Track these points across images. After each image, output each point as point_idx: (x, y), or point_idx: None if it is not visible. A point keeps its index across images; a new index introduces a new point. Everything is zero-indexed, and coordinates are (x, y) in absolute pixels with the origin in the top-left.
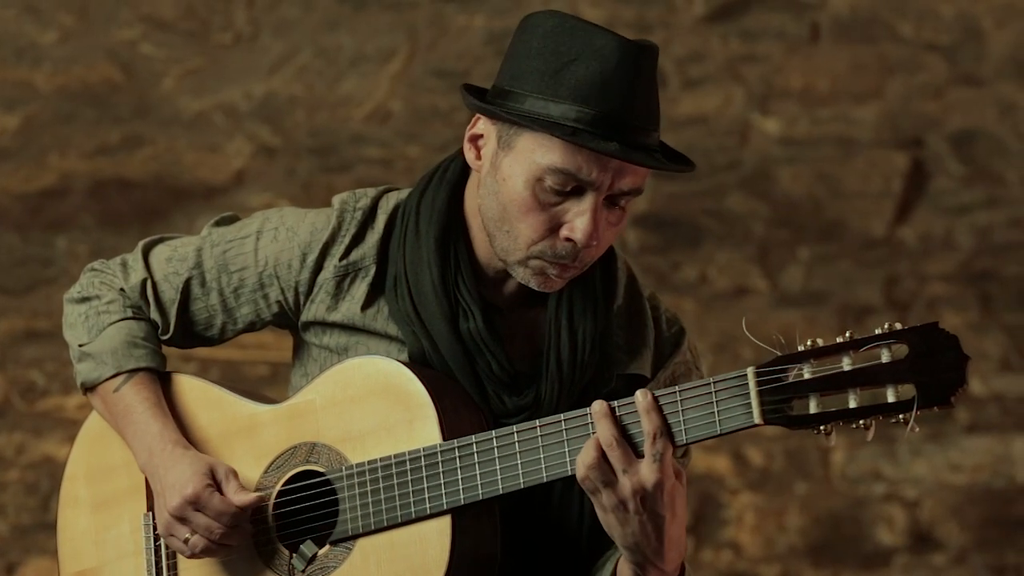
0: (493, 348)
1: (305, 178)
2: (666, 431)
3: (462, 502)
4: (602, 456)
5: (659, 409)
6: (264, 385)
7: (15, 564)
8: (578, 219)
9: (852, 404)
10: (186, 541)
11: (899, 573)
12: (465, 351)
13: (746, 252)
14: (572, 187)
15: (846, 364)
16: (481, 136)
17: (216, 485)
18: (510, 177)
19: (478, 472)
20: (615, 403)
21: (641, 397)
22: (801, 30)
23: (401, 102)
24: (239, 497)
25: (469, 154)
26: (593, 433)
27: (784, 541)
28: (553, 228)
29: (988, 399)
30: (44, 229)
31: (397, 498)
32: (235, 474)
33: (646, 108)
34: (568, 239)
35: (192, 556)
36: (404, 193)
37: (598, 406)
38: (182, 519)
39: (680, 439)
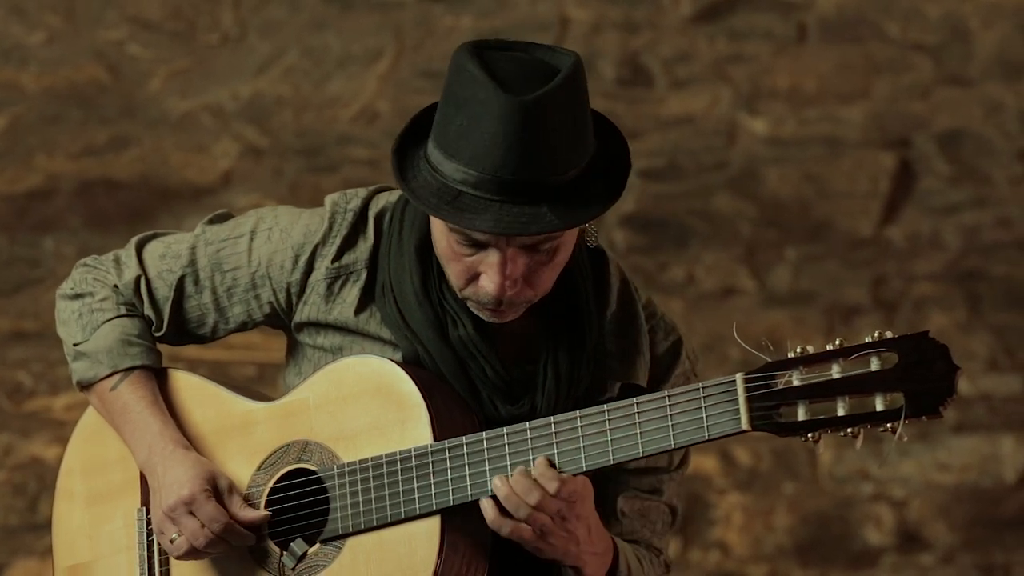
0: (486, 353)
1: (292, 179)
2: (553, 476)
3: (451, 503)
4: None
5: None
6: (251, 386)
7: (2, 565)
8: (488, 271)
9: (840, 412)
10: (172, 541)
11: (887, 573)
12: (457, 358)
13: (733, 252)
14: (475, 242)
15: (835, 372)
16: None
17: (215, 493)
18: (434, 227)
19: (468, 474)
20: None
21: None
22: (788, 30)
23: (388, 103)
24: (244, 513)
25: None
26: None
27: (772, 541)
28: (472, 277)
29: (976, 399)
30: (31, 230)
31: (387, 498)
32: (237, 490)
33: (541, 160)
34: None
35: (178, 557)
36: (395, 195)
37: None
38: (174, 519)
39: (668, 444)
